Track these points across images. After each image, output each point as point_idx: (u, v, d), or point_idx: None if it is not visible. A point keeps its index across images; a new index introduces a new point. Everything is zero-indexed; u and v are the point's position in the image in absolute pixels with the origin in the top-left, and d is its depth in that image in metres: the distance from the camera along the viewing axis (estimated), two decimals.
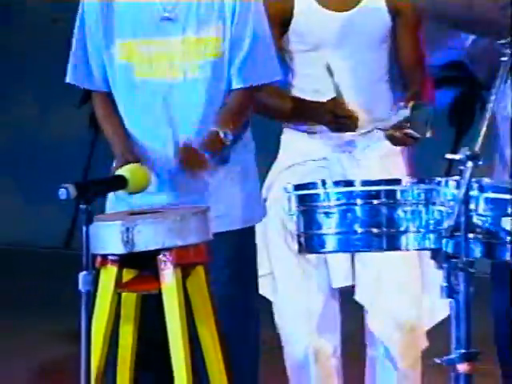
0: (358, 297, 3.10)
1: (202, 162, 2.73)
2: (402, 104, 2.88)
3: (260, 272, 3.04)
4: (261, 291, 3.06)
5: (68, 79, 2.91)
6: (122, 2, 2.80)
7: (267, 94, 2.98)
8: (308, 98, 3.05)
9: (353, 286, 3.10)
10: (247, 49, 2.82)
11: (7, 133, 6.99)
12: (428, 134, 2.88)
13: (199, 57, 2.81)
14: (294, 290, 3.10)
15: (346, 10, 3.05)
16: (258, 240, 3.01)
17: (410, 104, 2.86)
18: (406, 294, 3.02)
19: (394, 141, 2.95)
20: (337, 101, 2.96)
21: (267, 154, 3.17)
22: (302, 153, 3.10)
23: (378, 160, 3.02)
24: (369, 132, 3.05)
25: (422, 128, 2.85)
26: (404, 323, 3.07)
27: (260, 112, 3.05)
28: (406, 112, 2.85)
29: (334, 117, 2.98)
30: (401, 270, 2.99)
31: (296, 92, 3.11)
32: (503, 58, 2.30)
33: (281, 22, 3.06)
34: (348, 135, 3.01)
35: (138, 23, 2.83)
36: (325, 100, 3.00)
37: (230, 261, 2.86)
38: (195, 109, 2.81)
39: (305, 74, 3.12)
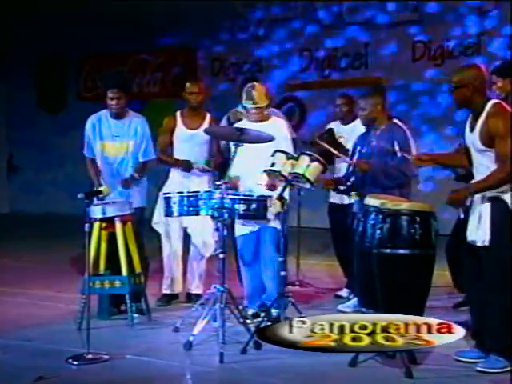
0: (189, 231, 7.39)
1: (129, 184, 7.01)
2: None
3: (155, 220, 7.33)
4: (155, 227, 7.38)
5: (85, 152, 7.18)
6: (102, 129, 7.06)
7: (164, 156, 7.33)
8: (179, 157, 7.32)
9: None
10: (144, 145, 7.09)
11: None
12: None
13: (126, 149, 7.09)
14: (166, 226, 7.37)
15: (194, 130, 7.36)
16: (157, 209, 7.26)
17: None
18: (207, 229, 7.12)
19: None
20: (183, 161, 7.30)
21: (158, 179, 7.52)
22: (176, 180, 7.38)
23: (197, 181, 7.30)
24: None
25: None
26: (206, 242, 7.34)
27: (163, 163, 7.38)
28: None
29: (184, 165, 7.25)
30: (203, 221, 7.08)
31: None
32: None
33: (170, 131, 7.38)
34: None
35: (107, 137, 7.07)
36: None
37: (137, 217, 6.99)
38: (125, 166, 7.10)
39: (178, 149, 7.44)
